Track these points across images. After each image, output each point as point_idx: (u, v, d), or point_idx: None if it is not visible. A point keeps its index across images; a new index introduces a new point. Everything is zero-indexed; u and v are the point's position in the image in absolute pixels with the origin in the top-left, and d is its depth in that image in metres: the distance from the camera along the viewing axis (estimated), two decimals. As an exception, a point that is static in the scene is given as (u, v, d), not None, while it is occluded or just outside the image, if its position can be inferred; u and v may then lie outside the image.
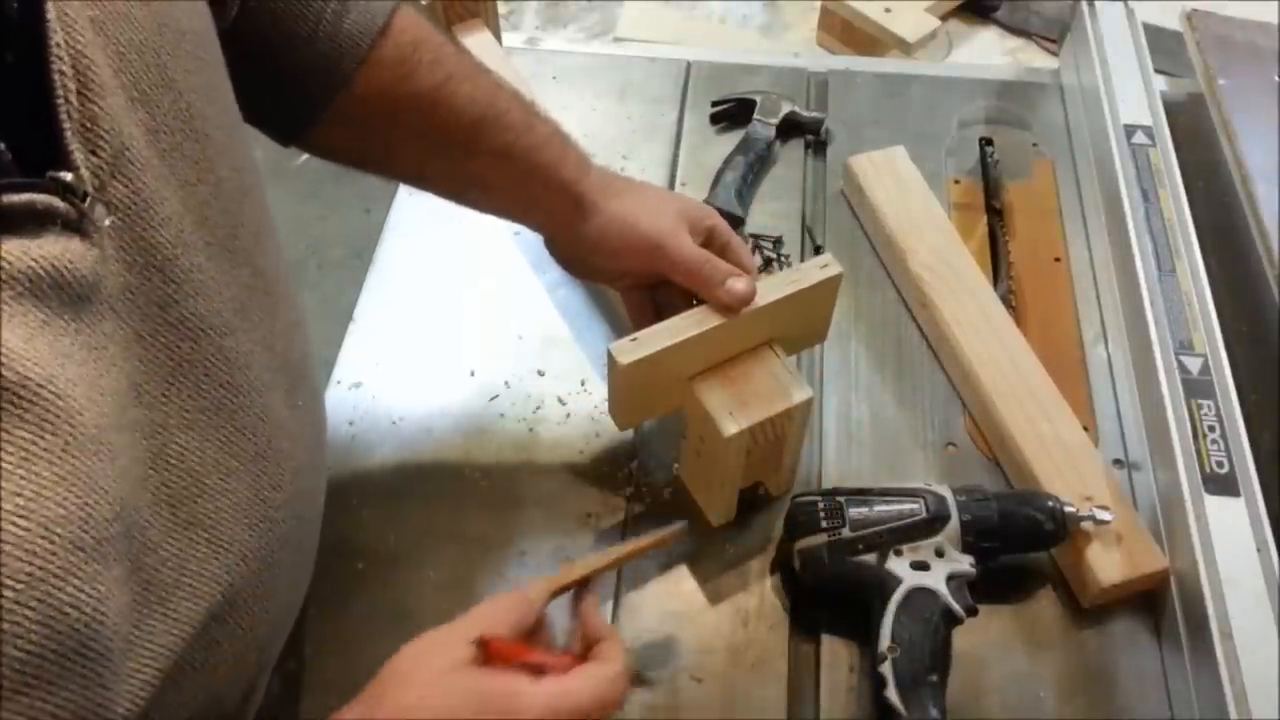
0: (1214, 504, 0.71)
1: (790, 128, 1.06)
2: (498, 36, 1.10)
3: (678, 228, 0.73)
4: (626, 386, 0.71)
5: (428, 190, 0.77)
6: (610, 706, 0.57)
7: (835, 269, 0.74)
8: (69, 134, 0.41)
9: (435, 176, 0.76)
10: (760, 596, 0.76)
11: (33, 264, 0.38)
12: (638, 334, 0.70)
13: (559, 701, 0.54)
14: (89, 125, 0.42)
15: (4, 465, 0.37)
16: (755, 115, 1.05)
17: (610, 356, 0.69)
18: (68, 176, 0.40)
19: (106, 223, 0.43)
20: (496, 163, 0.73)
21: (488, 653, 0.55)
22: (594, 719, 0.56)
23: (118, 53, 0.45)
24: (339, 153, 0.73)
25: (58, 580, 0.38)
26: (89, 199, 0.41)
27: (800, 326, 0.77)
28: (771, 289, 0.72)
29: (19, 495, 0.37)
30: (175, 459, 0.47)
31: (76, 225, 0.41)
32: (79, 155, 0.41)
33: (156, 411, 0.46)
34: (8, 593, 0.36)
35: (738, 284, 0.71)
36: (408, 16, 0.70)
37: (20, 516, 0.37)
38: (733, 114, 1.07)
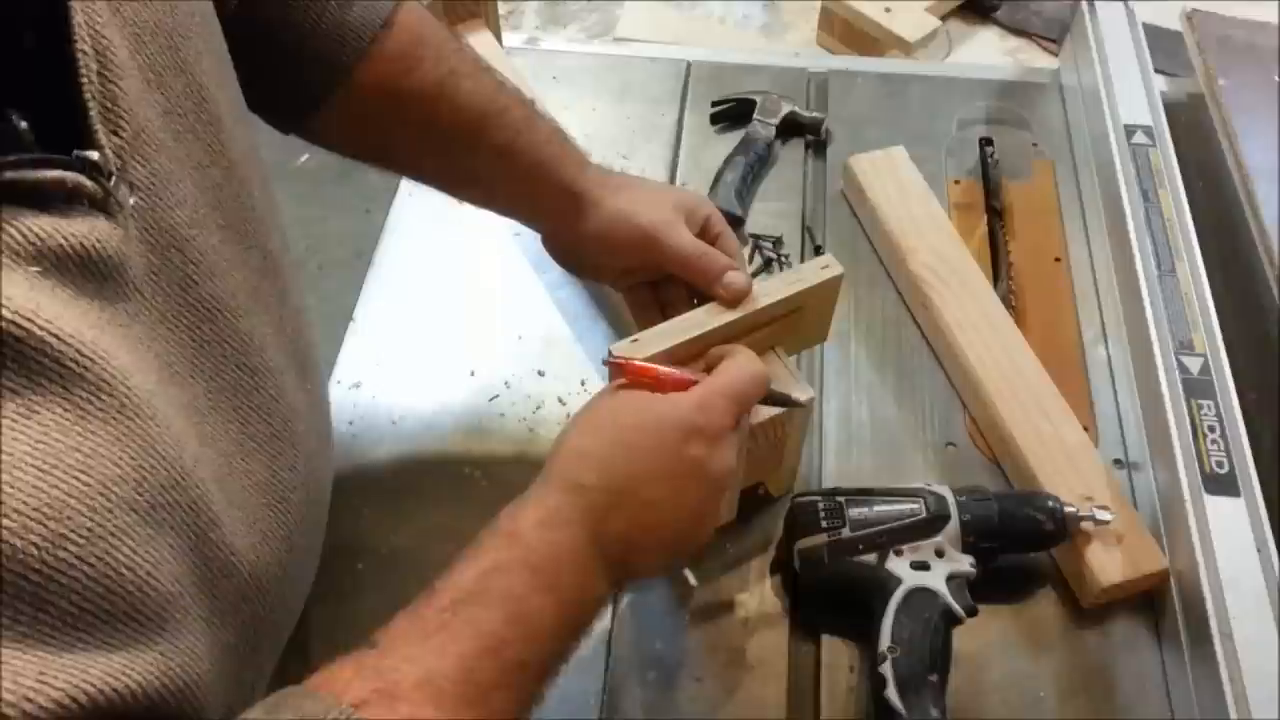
0: (1214, 504, 0.71)
1: (790, 128, 1.06)
2: (498, 37, 1.10)
3: (675, 219, 0.73)
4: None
5: (428, 184, 0.77)
6: (757, 384, 0.62)
7: (836, 269, 0.74)
8: (94, 114, 0.41)
9: (435, 172, 0.76)
10: (760, 596, 0.76)
11: (63, 242, 0.39)
12: (638, 334, 0.70)
13: (706, 400, 0.58)
14: (109, 105, 0.42)
15: (63, 421, 0.37)
16: (755, 115, 1.05)
17: (611, 356, 0.69)
18: (94, 156, 0.41)
19: (131, 202, 0.43)
20: (497, 160, 0.73)
21: (630, 372, 0.60)
22: (747, 399, 0.61)
23: (134, 34, 0.45)
24: (339, 144, 0.74)
25: (114, 539, 0.38)
26: (114, 178, 0.41)
27: (801, 327, 0.77)
28: (772, 289, 0.72)
29: (78, 451, 0.37)
30: (210, 439, 0.47)
31: (102, 205, 0.41)
32: (102, 135, 0.42)
33: (188, 391, 0.46)
34: (71, 547, 0.36)
35: (736, 277, 0.71)
36: (411, 12, 0.70)
37: (81, 471, 0.37)
38: (733, 114, 1.07)
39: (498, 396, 0.88)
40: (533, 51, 1.16)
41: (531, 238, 0.98)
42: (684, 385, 0.60)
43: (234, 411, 0.50)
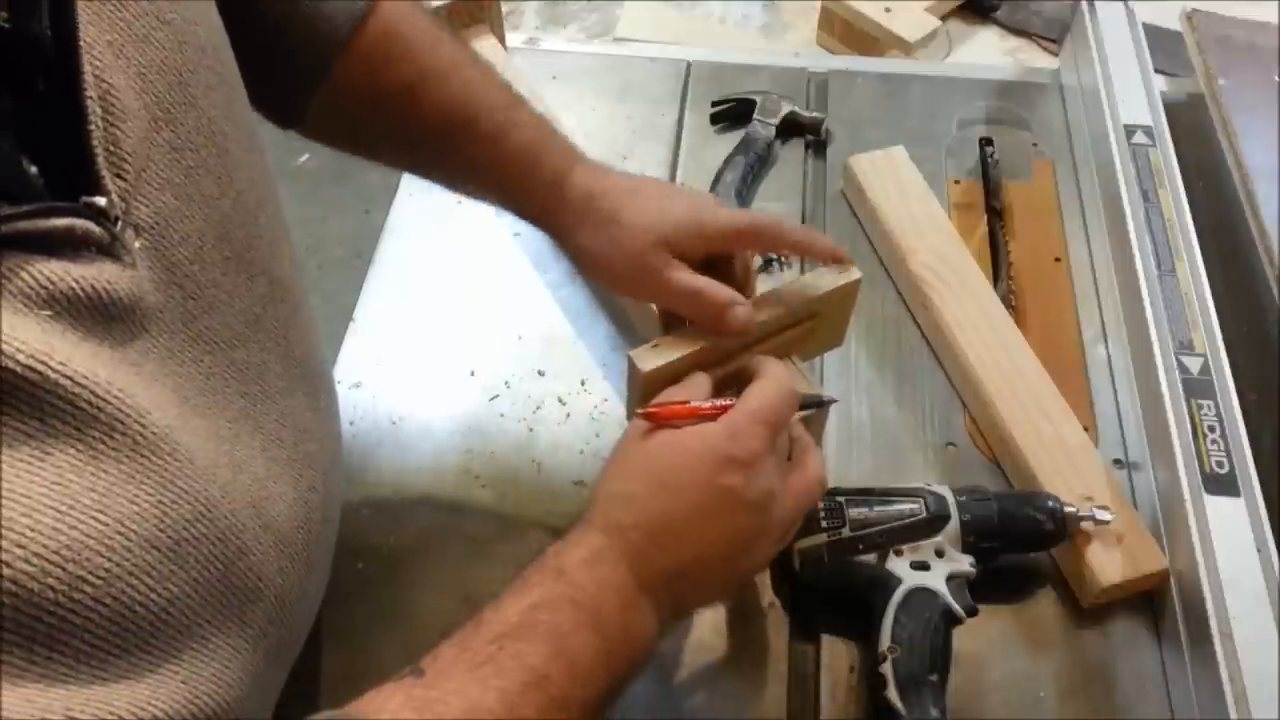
0: (1214, 504, 0.71)
1: (790, 128, 1.06)
2: (503, 41, 1.10)
3: (660, 258, 0.67)
4: (646, 393, 0.70)
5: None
6: (787, 401, 0.60)
7: (855, 274, 0.73)
8: (100, 159, 0.41)
9: (422, 171, 0.76)
10: (760, 597, 0.76)
11: (74, 285, 0.39)
12: (658, 340, 0.69)
13: (735, 427, 0.57)
14: (113, 149, 0.43)
15: (77, 463, 0.37)
16: (755, 115, 1.05)
17: (631, 363, 0.68)
18: (101, 201, 0.41)
19: (136, 245, 0.43)
20: (468, 170, 0.72)
21: (658, 419, 0.58)
22: (780, 419, 0.60)
23: (139, 74, 0.45)
24: (328, 139, 0.73)
25: (131, 578, 0.38)
26: (120, 223, 0.42)
27: (818, 332, 0.76)
28: (791, 295, 0.71)
29: (93, 491, 0.38)
30: (244, 465, 0.48)
31: (109, 249, 0.41)
32: (108, 180, 0.42)
33: (212, 421, 0.47)
34: (88, 588, 0.37)
35: (736, 315, 0.67)
36: (393, 8, 0.69)
37: (99, 511, 0.38)
38: (733, 114, 1.07)
39: (498, 396, 0.88)
40: (533, 51, 1.16)
41: (531, 237, 0.98)
42: (717, 414, 0.59)
43: (250, 438, 0.50)
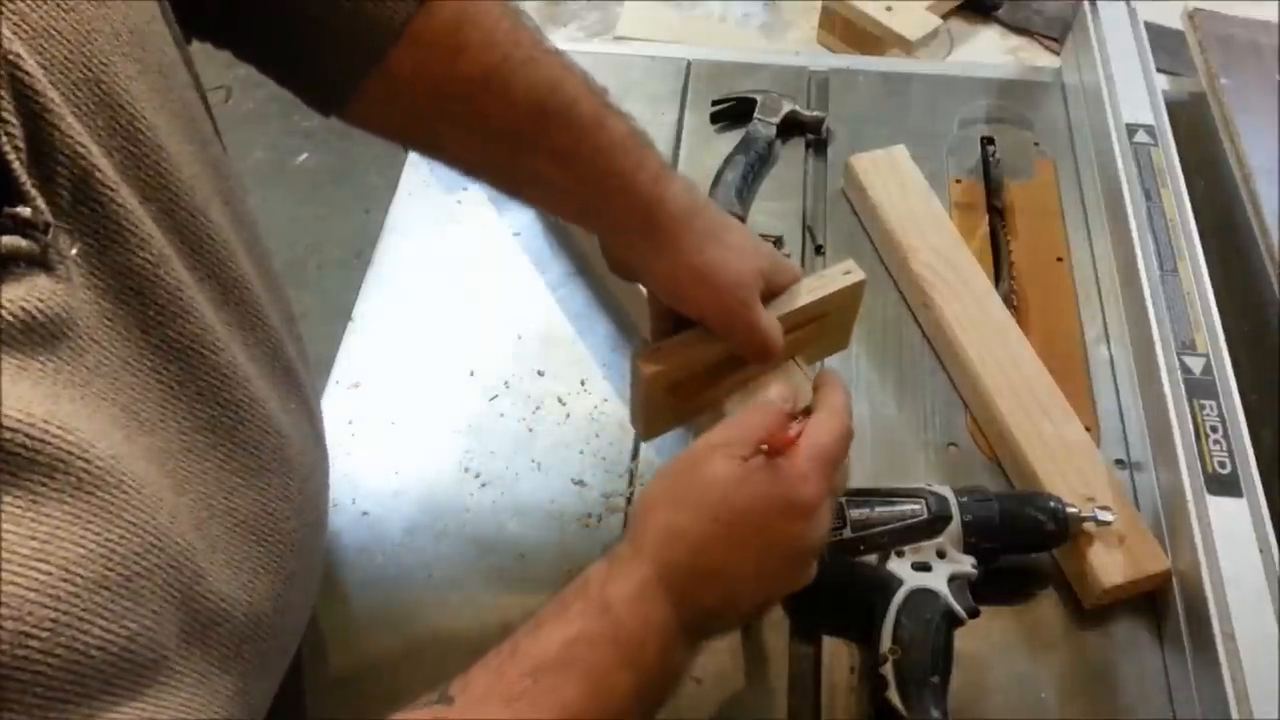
0: (1216, 504, 0.71)
1: (791, 127, 1.06)
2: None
3: (754, 296, 0.66)
4: (649, 396, 0.69)
5: (482, 183, 0.71)
6: (847, 441, 0.61)
7: (858, 275, 0.72)
8: (15, 165, 0.38)
9: (487, 170, 0.68)
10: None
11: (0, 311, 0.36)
12: (659, 344, 0.68)
13: (805, 470, 0.57)
14: (43, 150, 0.39)
15: (13, 511, 0.35)
16: (755, 115, 1.05)
17: (634, 365, 0.67)
18: (26, 211, 0.38)
19: (73, 252, 0.40)
20: (558, 163, 0.64)
21: (776, 449, 0.58)
22: (840, 460, 0.60)
23: (43, 72, 0.41)
24: (384, 133, 0.67)
25: (82, 624, 0.37)
26: (51, 230, 0.39)
27: (823, 335, 0.75)
28: (794, 297, 0.70)
29: (32, 539, 0.36)
30: (186, 485, 0.46)
31: (41, 259, 0.38)
32: (29, 186, 0.38)
33: (159, 438, 0.45)
34: (33, 643, 0.35)
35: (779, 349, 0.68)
36: None
37: (39, 560, 0.36)
38: (733, 113, 1.07)
39: (498, 396, 0.87)
40: (533, 51, 1.16)
41: (531, 237, 0.98)
42: (793, 442, 0.58)
43: (212, 450, 0.48)
